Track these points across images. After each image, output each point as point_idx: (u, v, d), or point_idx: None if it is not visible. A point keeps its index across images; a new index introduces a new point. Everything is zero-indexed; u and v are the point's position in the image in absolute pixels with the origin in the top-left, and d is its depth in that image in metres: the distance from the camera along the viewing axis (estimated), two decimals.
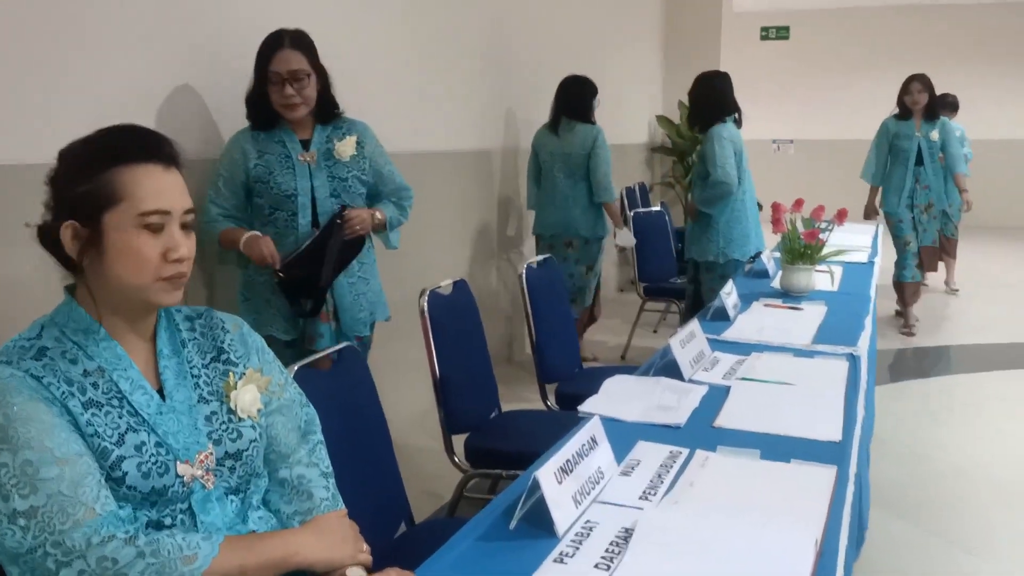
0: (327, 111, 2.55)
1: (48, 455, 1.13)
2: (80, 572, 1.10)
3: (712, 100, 4.24)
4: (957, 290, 7.15)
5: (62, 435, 1.15)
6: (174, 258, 1.24)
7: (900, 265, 5.83)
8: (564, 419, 2.23)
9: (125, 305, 1.26)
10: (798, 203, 3.46)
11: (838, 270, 3.88)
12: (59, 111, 2.14)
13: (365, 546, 1.35)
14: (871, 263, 4.08)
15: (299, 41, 2.45)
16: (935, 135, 5.66)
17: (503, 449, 2.49)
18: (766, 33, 12.79)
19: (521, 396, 4.08)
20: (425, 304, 2.45)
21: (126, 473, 1.19)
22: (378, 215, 2.61)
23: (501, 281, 5.04)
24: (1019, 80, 11.66)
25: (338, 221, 2.49)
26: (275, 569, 1.24)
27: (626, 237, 4.91)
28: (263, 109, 2.49)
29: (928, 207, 5.83)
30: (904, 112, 5.74)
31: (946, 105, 6.81)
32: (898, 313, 6.10)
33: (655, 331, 5.83)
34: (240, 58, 2.55)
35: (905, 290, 5.86)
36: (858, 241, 4.74)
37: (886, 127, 5.81)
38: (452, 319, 2.59)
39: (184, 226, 1.26)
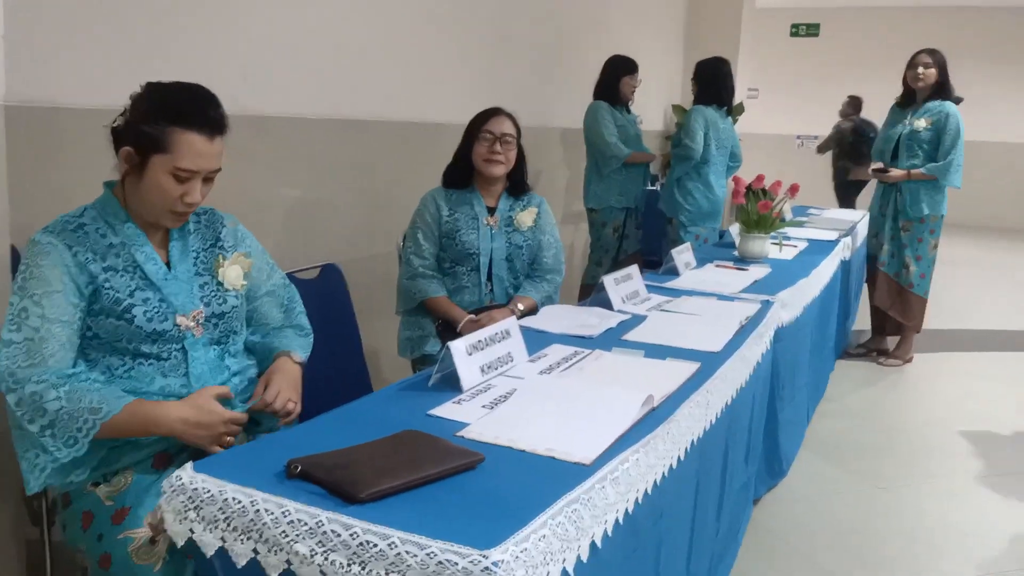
0: (519, 184, 2.86)
1: (40, 310, 1.57)
2: (18, 399, 1.53)
3: (707, 84, 4.68)
4: None
5: (58, 302, 1.58)
6: (187, 202, 1.66)
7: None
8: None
9: (143, 212, 1.70)
10: (759, 178, 3.83)
11: (803, 244, 4.25)
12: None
13: (230, 439, 1.66)
14: (836, 241, 4.40)
15: (512, 116, 2.80)
16: (921, 123, 4.48)
17: None
18: (796, 30, 13.01)
19: None
20: None
21: (134, 316, 1.64)
22: (520, 305, 2.74)
23: None
24: None
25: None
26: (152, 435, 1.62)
27: None
28: (463, 169, 2.81)
29: (906, 225, 4.65)
30: (906, 95, 4.64)
31: None
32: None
33: None
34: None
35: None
36: (842, 223, 5.09)
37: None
38: None
39: (206, 179, 1.68)
